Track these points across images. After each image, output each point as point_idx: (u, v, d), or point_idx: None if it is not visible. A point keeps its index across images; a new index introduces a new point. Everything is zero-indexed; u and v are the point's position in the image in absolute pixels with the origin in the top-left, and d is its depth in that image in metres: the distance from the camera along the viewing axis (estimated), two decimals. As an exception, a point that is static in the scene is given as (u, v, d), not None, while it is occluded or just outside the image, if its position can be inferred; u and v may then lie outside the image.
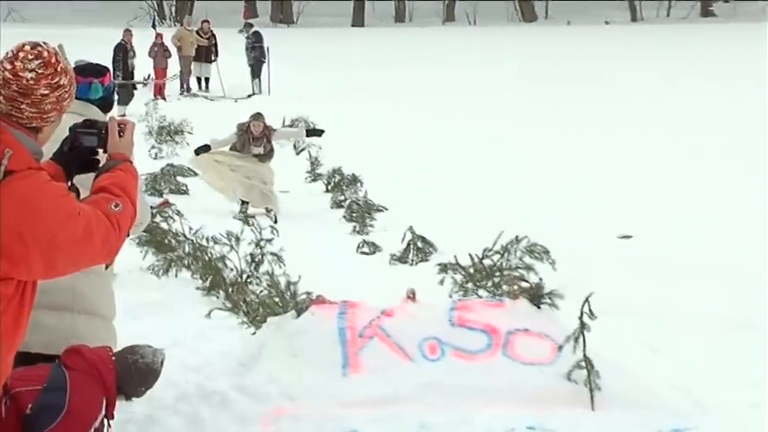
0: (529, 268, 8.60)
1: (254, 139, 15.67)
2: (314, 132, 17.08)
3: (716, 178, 17.03)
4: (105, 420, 5.04)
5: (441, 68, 36.36)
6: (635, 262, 11.59)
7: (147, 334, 6.83)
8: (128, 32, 31.16)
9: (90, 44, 28.30)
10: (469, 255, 8.56)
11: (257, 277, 9.92)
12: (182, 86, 33.06)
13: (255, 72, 33.15)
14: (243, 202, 15.73)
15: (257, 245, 10.37)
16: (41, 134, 4.01)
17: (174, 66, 32.97)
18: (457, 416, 6.41)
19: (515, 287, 7.52)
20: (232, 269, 10.20)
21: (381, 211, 15.11)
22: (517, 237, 8.90)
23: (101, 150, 4.33)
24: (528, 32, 53.43)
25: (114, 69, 28.65)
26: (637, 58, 37.89)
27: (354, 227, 14.62)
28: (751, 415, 6.59)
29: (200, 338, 8.23)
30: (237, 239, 10.47)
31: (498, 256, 8.62)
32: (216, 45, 33.54)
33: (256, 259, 10.18)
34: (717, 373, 7.52)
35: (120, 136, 4.31)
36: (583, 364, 6.66)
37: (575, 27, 55.37)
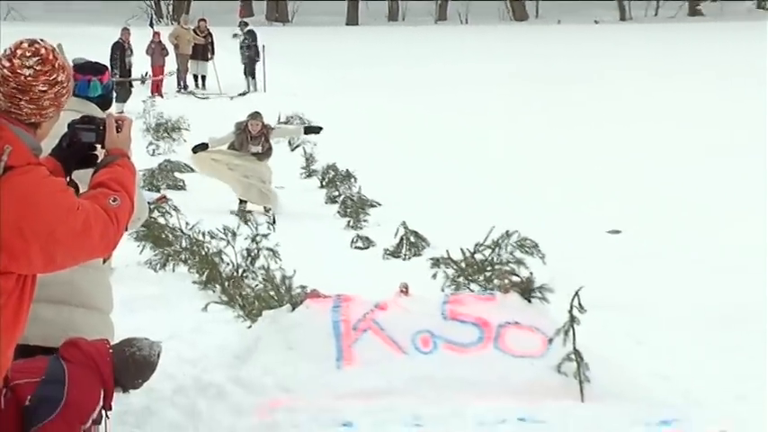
0: (519, 263, 8.61)
1: (252, 138, 15.47)
2: (312, 129, 16.85)
3: (704, 174, 17.04)
4: (103, 412, 5.05)
5: (433, 66, 36.36)
6: (624, 257, 11.59)
7: (144, 327, 6.84)
8: (125, 31, 31.10)
9: (89, 43, 28.28)
10: (461, 249, 8.56)
11: (253, 271, 9.92)
12: (179, 84, 33.06)
13: (249, 70, 33.15)
14: (241, 201, 15.57)
15: (253, 240, 10.37)
16: (40, 130, 4.01)
17: (171, 64, 32.99)
18: (449, 408, 6.41)
19: (506, 281, 7.52)
20: (228, 264, 10.21)
21: (375, 206, 15.10)
22: (508, 232, 8.91)
23: (99, 146, 4.33)
24: (519, 31, 53.46)
25: (112, 67, 28.61)
26: (626, 56, 37.91)
27: (348, 222, 14.61)
28: (737, 406, 6.60)
29: (197, 332, 8.24)
30: (234, 234, 10.48)
31: (489, 250, 8.62)
32: (212, 43, 33.56)
33: (252, 254, 10.18)
34: (703, 365, 7.53)
35: (117, 132, 4.31)
36: (572, 356, 6.67)
37: (565, 26, 55.40)
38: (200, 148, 15.66)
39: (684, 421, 6.32)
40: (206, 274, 10.18)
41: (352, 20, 60.84)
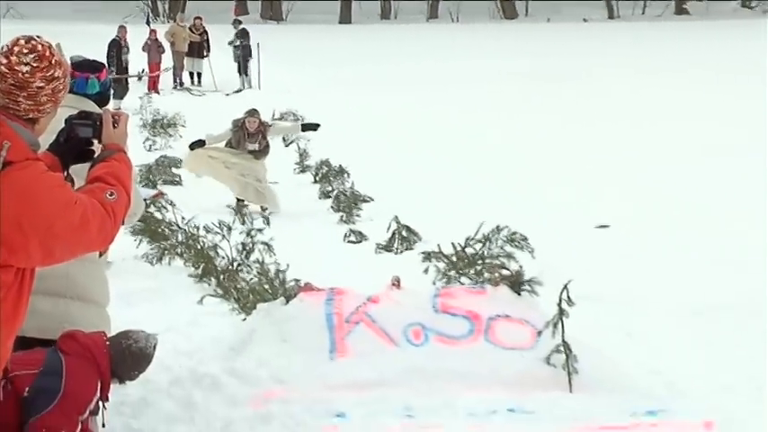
0: (509, 256, 8.60)
1: (249, 136, 15.23)
2: (309, 127, 16.33)
3: (691, 170, 17.06)
4: (100, 403, 5.05)
5: (425, 64, 36.38)
6: (611, 251, 11.60)
7: (141, 320, 6.83)
8: (122, 29, 31.11)
9: (86, 40, 28.23)
10: (452, 243, 8.56)
11: (248, 265, 9.91)
12: (175, 81, 33.07)
13: (242, 68, 33.15)
14: (238, 200, 15.33)
15: (248, 234, 10.37)
16: (38, 125, 4.01)
17: (167, 61, 33.03)
18: (440, 399, 6.42)
19: (496, 275, 7.53)
20: (223, 257, 10.21)
21: (367, 201, 15.09)
22: (498, 226, 8.90)
23: (96, 141, 4.33)
24: (509, 29, 53.44)
25: (109, 65, 28.61)
26: (614, 54, 37.95)
27: (341, 216, 14.61)
28: (722, 397, 6.61)
29: (193, 324, 8.24)
30: (229, 229, 10.48)
31: (480, 244, 8.62)
32: (208, 41, 33.56)
33: (247, 248, 10.17)
34: (690, 357, 7.54)
35: (114, 127, 4.31)
36: (561, 348, 6.68)
37: (554, 24, 55.44)
38: (198, 144, 15.40)
39: (671, 412, 6.33)
40: (201, 267, 10.18)
41: (345, 18, 60.80)
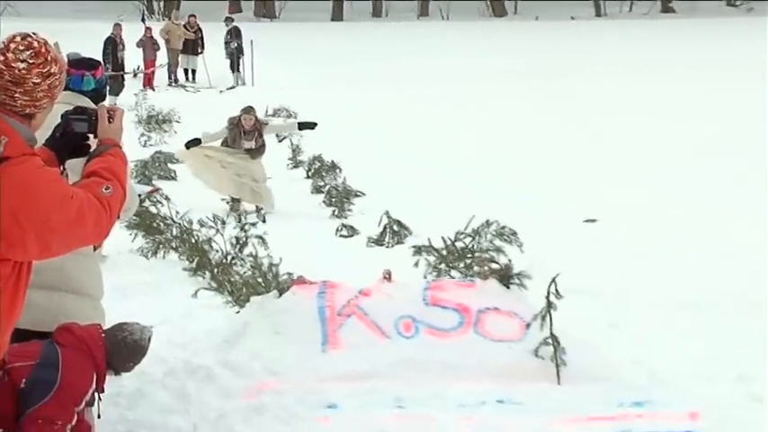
0: (498, 250, 8.60)
1: (245, 133, 14.87)
2: (306, 125, 15.71)
3: (677, 166, 17.08)
4: (96, 394, 5.05)
5: (416, 61, 36.36)
6: (599, 245, 11.61)
7: (136, 313, 6.82)
8: (117, 26, 31.08)
9: (83, 38, 28.31)
10: (442, 238, 8.56)
11: (241, 259, 9.91)
12: (170, 78, 33.03)
13: (234, 66, 33.12)
14: (234, 200, 15.11)
15: (241, 228, 10.36)
16: (35, 121, 4.01)
17: (162, 58, 32.98)
18: (430, 390, 6.43)
19: (486, 268, 7.53)
20: (217, 251, 10.20)
21: (359, 196, 15.09)
22: (488, 221, 8.91)
23: (91, 136, 4.32)
24: (498, 27, 53.45)
25: (104, 62, 28.59)
26: (602, 51, 37.97)
27: (333, 211, 14.61)
28: (706, 389, 6.63)
29: (187, 317, 8.24)
30: (223, 223, 10.48)
31: (470, 238, 8.62)
32: (202, 38, 33.53)
33: (241, 242, 10.17)
34: (675, 349, 7.55)
35: (109, 122, 4.31)
36: (549, 340, 6.69)
37: (542, 22, 55.44)
38: (193, 143, 15.00)
39: (657, 403, 6.35)
40: (196, 261, 10.18)
41: (337, 16, 60.76)
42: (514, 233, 9.05)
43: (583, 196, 14.70)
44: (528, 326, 6.86)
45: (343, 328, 6.92)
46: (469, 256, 8.45)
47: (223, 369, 6.68)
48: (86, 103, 5.35)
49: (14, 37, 3.96)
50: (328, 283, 7.21)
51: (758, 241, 11.22)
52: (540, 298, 6.74)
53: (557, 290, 6.63)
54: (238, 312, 7.92)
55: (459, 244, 8.53)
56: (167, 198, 11.60)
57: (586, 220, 13.16)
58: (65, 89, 4.30)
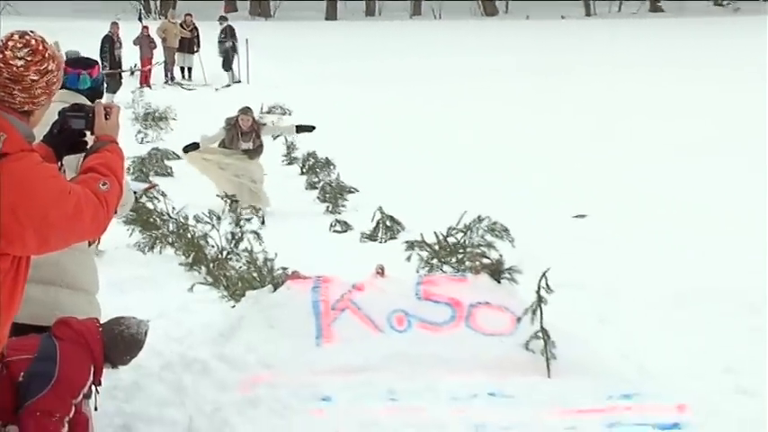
0: (490, 245, 8.63)
1: (242, 134, 14.58)
2: (304, 128, 15.42)
3: (664, 163, 17.08)
4: (93, 387, 5.04)
5: (408, 60, 36.36)
6: (589, 241, 11.60)
7: (133, 307, 6.82)
8: (114, 25, 31.02)
9: (82, 36, 28.24)
10: (435, 233, 8.56)
11: (237, 254, 9.91)
12: (166, 75, 33.01)
13: (227, 64, 33.09)
14: (232, 201, 14.96)
15: (237, 224, 10.35)
16: (33, 117, 4.00)
17: (158, 56, 32.94)
18: (423, 383, 6.43)
19: (477, 263, 7.54)
20: (213, 246, 10.20)
21: (353, 192, 15.07)
22: (479, 216, 8.93)
23: (88, 132, 4.32)
24: (489, 26, 53.48)
25: (102, 60, 28.59)
26: (591, 50, 38.00)
27: (327, 207, 14.59)
28: (693, 382, 6.63)
29: (183, 311, 8.23)
30: (218, 218, 10.47)
31: (462, 234, 8.63)
32: (198, 37, 33.49)
33: (236, 237, 10.16)
34: (663, 343, 7.55)
35: (106, 119, 4.31)
36: (540, 334, 6.70)
37: (533, 21, 55.48)
38: (192, 147, 14.72)
39: (645, 395, 6.36)
40: (192, 256, 10.17)
41: (331, 16, 60.73)
42: (506, 229, 9.08)
43: (573, 193, 14.70)
44: (519, 320, 6.87)
45: (337, 321, 6.92)
46: (461, 251, 8.46)
47: (219, 362, 6.69)
48: (82, 101, 5.34)
49: (12, 35, 3.95)
50: (322, 278, 7.22)
51: (744, 237, 11.25)
52: (530, 292, 6.75)
53: (547, 284, 6.64)
54: (234, 306, 7.91)
55: (451, 239, 8.54)
56: (164, 194, 11.60)
57: (576, 216, 13.15)
58: (61, 88, 4.30)
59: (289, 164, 18.73)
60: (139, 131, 21.25)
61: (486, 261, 7.54)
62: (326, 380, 6.43)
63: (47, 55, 3.94)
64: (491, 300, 7.05)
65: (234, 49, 33.15)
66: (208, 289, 8.86)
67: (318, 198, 15.19)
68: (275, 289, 7.25)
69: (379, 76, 32.25)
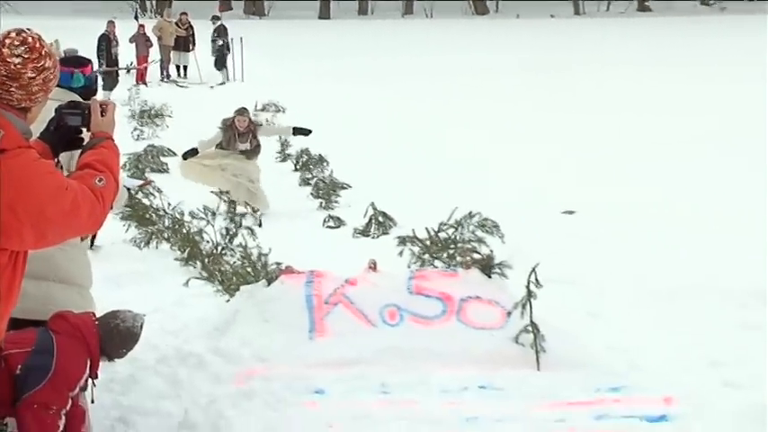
0: (480, 241, 8.63)
1: (239, 135, 14.33)
2: (301, 131, 15.11)
3: (652, 159, 17.10)
4: (89, 380, 5.04)
5: (401, 58, 36.36)
6: (577, 236, 11.61)
7: (129, 301, 6.82)
8: (111, 23, 31.01)
9: (80, 35, 28.15)
10: (426, 229, 8.57)
11: (231, 249, 9.90)
12: (162, 73, 32.98)
13: (220, 63, 33.05)
14: (230, 202, 14.35)
15: (231, 219, 10.34)
16: (30, 114, 4.01)
17: (154, 54, 32.91)
18: (415, 376, 6.44)
19: (468, 258, 7.55)
20: (208, 241, 10.19)
21: (345, 188, 15.07)
22: (470, 212, 8.94)
23: (84, 129, 4.32)
24: (480, 25, 53.47)
25: (99, 58, 28.59)
26: (580, 49, 38.03)
27: (321, 203, 14.58)
28: (680, 376, 6.64)
29: (179, 305, 8.23)
30: (213, 214, 10.46)
31: (453, 229, 8.64)
32: (193, 35, 33.47)
33: (231, 232, 10.15)
34: (650, 337, 7.56)
35: (102, 116, 4.31)
36: (529, 328, 6.70)
37: (523, 20, 55.51)
38: (190, 154, 14.41)
39: (632, 388, 6.37)
40: (187, 251, 10.16)
41: (324, 14, 60.68)
42: (496, 225, 9.08)
43: (563, 189, 14.70)
44: (509, 314, 6.88)
45: (330, 316, 6.93)
46: (452, 246, 8.47)
47: (214, 356, 6.69)
48: (75, 99, 5.34)
49: (9, 33, 3.95)
50: (315, 273, 7.22)
51: (729, 233, 11.26)
52: (520, 287, 6.76)
53: (537, 279, 6.65)
54: (228, 301, 7.91)
55: (442, 235, 8.55)
56: (159, 190, 11.58)
57: (565, 212, 13.16)
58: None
59: (282, 161, 18.71)
60: (135, 128, 21.20)
61: (476, 256, 7.54)
62: (320, 373, 6.43)
63: (44, 52, 3.94)
64: (481, 294, 7.05)
65: (227, 47, 33.12)
66: (203, 283, 8.86)
67: (312, 194, 15.18)
68: (269, 283, 7.25)
69: (372, 74, 32.25)
